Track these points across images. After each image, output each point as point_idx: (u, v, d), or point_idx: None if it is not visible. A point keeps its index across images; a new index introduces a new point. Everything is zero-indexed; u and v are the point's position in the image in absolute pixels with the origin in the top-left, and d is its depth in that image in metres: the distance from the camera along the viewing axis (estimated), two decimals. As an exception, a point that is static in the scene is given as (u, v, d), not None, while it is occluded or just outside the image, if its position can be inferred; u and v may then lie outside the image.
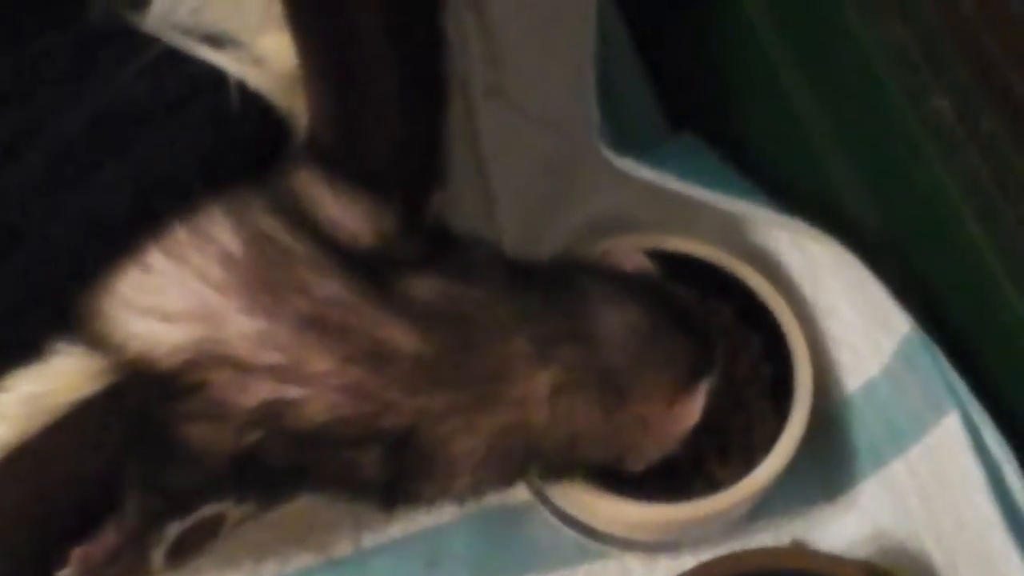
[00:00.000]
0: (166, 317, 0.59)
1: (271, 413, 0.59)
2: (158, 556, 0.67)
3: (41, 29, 0.66)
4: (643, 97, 0.89)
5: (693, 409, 0.63)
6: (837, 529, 0.74)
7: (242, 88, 0.63)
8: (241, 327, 0.58)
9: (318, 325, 0.59)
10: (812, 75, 0.77)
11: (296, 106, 0.64)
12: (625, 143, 0.76)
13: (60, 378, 0.60)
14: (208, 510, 0.64)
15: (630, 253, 0.68)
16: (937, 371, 0.67)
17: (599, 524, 0.68)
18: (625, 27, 0.89)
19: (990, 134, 0.63)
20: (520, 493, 0.72)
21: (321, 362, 0.59)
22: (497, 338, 0.61)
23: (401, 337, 0.59)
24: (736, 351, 0.71)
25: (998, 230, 0.64)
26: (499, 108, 0.81)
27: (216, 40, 0.63)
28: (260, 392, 0.58)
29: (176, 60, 0.63)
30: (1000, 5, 0.61)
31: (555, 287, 0.64)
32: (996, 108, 0.62)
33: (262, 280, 0.59)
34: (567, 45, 0.79)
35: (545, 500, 0.70)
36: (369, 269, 0.61)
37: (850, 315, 0.73)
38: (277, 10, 0.62)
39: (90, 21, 0.64)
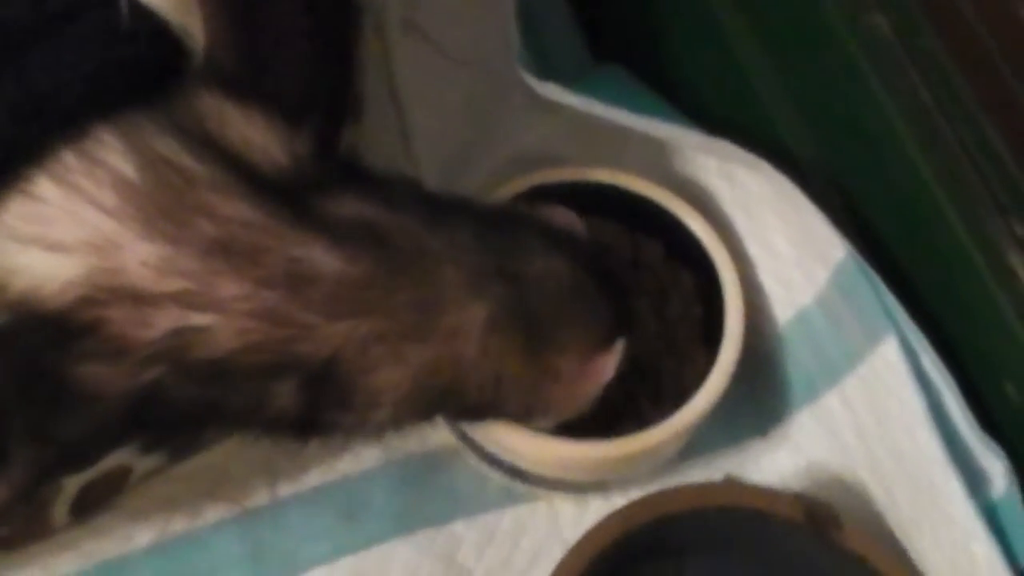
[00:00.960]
0: (55, 248, 0.57)
1: (175, 345, 0.57)
2: (60, 511, 0.66)
3: None
4: (564, 25, 0.89)
5: (605, 369, 0.63)
6: (770, 464, 0.74)
7: (133, 3, 0.61)
8: (140, 254, 0.56)
9: (226, 248, 0.58)
10: (749, 13, 0.76)
11: (192, 24, 0.62)
12: (547, 74, 0.76)
13: None
14: (110, 461, 0.64)
15: (563, 211, 0.68)
16: (874, 296, 0.67)
17: (526, 464, 0.68)
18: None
19: (929, 52, 0.62)
20: (441, 437, 0.72)
21: (231, 286, 0.57)
22: (428, 266, 0.60)
23: (322, 256, 0.58)
24: (666, 288, 0.71)
25: (938, 152, 0.64)
26: (415, 43, 0.81)
27: None
28: (163, 323, 0.57)
29: None
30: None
31: (486, 226, 0.64)
32: (935, 25, 0.62)
33: (161, 204, 0.57)
34: None
35: (468, 442, 0.70)
36: (283, 189, 0.59)
37: (783, 244, 0.72)
38: None
39: None
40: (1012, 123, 0.61)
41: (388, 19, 0.79)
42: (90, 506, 0.67)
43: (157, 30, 0.61)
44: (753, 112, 0.77)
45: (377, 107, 0.74)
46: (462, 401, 0.63)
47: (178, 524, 0.71)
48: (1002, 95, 0.60)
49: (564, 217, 0.68)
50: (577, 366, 0.63)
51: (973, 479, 0.63)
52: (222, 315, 0.57)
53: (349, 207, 0.60)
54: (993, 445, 0.63)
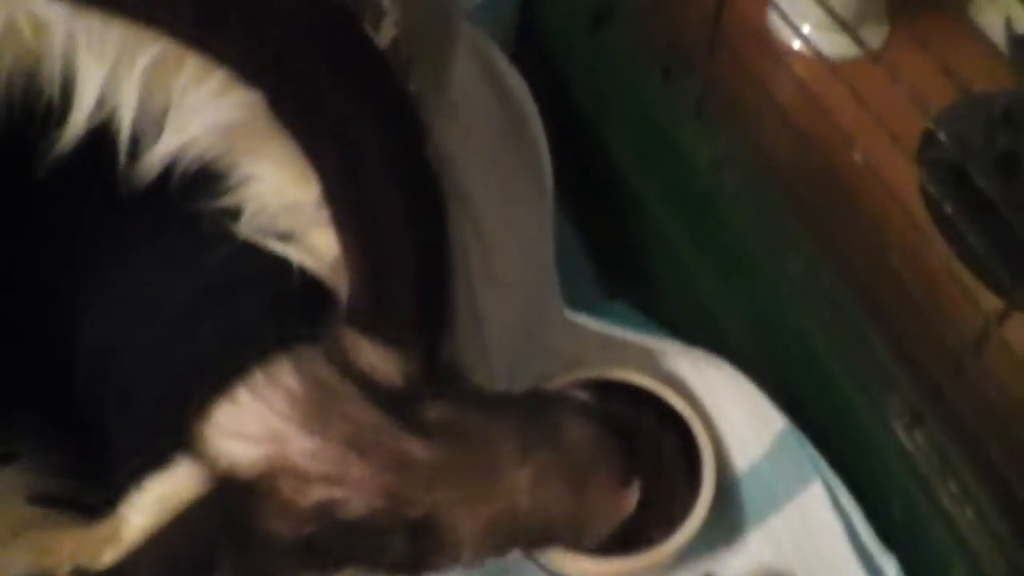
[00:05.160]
0: (246, 439, 0.66)
1: (324, 510, 0.66)
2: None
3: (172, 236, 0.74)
4: (587, 274, 1.00)
5: (631, 497, 0.73)
6: (734, 566, 0.82)
7: (301, 270, 0.70)
8: (301, 446, 0.65)
9: (357, 443, 0.66)
10: (712, 264, 0.87)
11: (340, 282, 0.71)
12: (575, 307, 0.89)
13: (179, 482, 0.65)
14: None
15: (585, 393, 0.78)
16: (805, 453, 0.77)
17: (573, 573, 0.77)
18: (574, 226, 1.01)
19: (829, 286, 0.76)
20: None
21: (360, 471, 0.66)
22: (489, 446, 0.69)
23: (419, 450, 0.67)
24: (659, 447, 0.80)
25: (844, 354, 0.75)
26: (491, 287, 0.90)
27: (284, 237, 0.71)
28: (315, 494, 0.65)
29: (257, 251, 0.70)
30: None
31: (531, 410, 0.73)
32: (836, 267, 0.75)
33: (315, 411, 0.66)
34: (536, 240, 0.91)
35: (531, 557, 0.78)
36: (396, 401, 0.68)
37: (738, 417, 0.82)
38: (325, 215, 0.70)
39: (202, 226, 0.71)
40: (885, 330, 0.73)
41: (471, 270, 0.88)
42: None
43: (317, 287, 0.71)
44: (713, 328, 0.87)
45: (463, 331, 0.79)
46: (525, 539, 0.72)
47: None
48: (881, 314, 0.73)
49: (585, 396, 0.78)
50: (607, 501, 0.72)
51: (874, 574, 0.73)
52: (354, 491, 0.66)
53: (438, 412, 0.69)
54: (886, 551, 0.73)
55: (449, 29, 0.96)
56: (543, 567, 0.79)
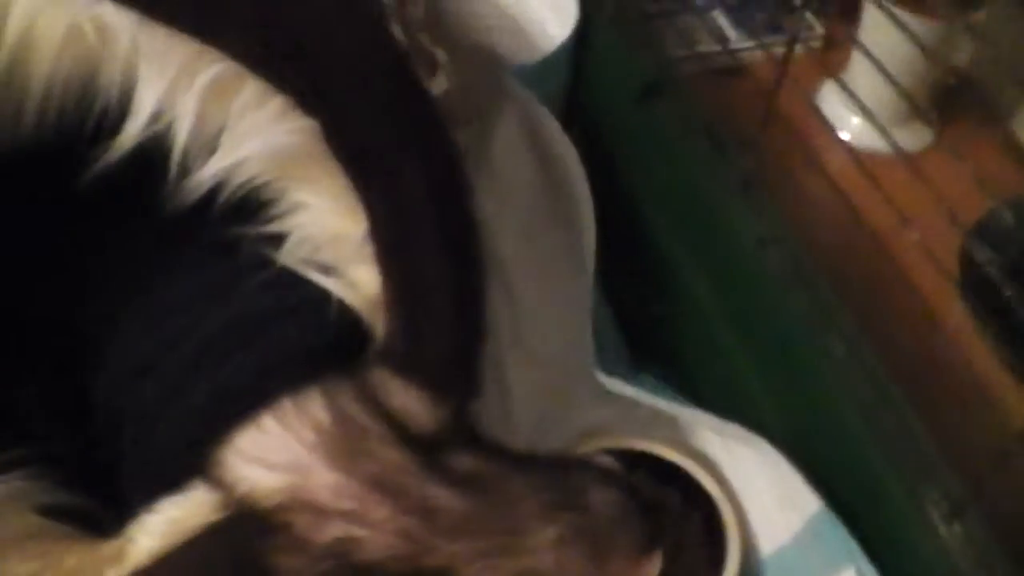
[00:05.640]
0: (268, 466, 0.65)
1: (340, 549, 0.64)
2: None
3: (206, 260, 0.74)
4: (616, 346, 0.98)
5: (652, 569, 0.71)
6: None
7: (340, 304, 0.70)
8: (323, 479, 0.64)
9: (382, 483, 0.65)
10: (749, 342, 0.86)
11: (377, 321, 0.70)
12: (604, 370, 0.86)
13: (193, 507, 0.65)
14: None
15: (610, 459, 0.77)
16: (839, 539, 0.74)
17: None
18: (605, 297, 0.98)
19: (873, 373, 0.74)
20: None
21: (382, 511, 0.65)
22: (513, 501, 0.68)
23: (444, 496, 0.66)
24: (682, 524, 0.78)
25: (883, 439, 0.72)
26: (519, 354, 0.90)
27: (325, 269, 0.70)
28: (333, 531, 0.64)
29: (296, 281, 0.70)
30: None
31: (556, 470, 0.73)
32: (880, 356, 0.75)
33: (342, 446, 0.65)
34: (570, 308, 0.90)
35: None
36: (424, 446, 0.68)
37: (768, 499, 0.80)
38: (369, 251, 0.69)
39: (241, 253, 0.71)
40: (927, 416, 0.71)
41: (499, 335, 0.87)
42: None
43: (354, 322, 0.70)
44: (745, 407, 0.85)
45: (490, 392, 0.77)
46: None
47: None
48: (924, 401, 0.72)
49: (611, 463, 0.77)
50: (629, 568, 0.70)
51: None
52: (374, 531, 0.65)
53: (464, 462, 0.69)
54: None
55: (497, 93, 0.97)
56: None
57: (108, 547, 0.65)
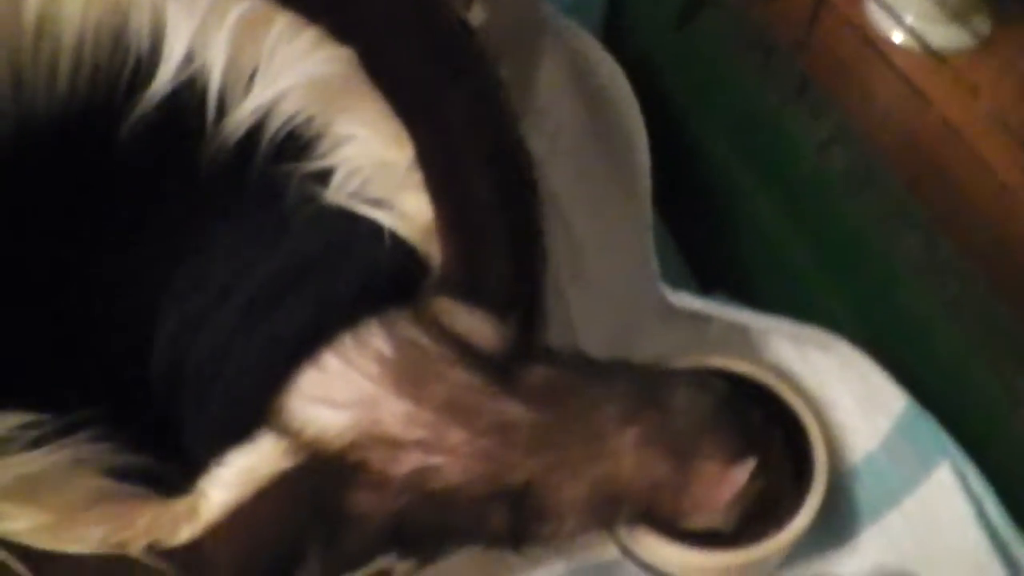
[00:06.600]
0: (334, 405, 0.64)
1: (418, 479, 0.64)
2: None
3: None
4: (681, 271, 0.97)
5: (739, 476, 0.68)
6: (847, 568, 0.78)
7: (393, 236, 0.70)
8: (393, 410, 0.64)
9: (453, 406, 0.64)
10: (818, 250, 0.84)
11: (431, 249, 0.70)
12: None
13: (262, 456, 0.64)
14: (376, 564, 0.68)
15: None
16: (931, 434, 0.72)
17: (674, 570, 0.73)
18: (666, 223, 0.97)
19: (947, 261, 0.71)
20: (610, 552, 0.77)
21: (457, 435, 0.64)
22: (592, 408, 0.67)
23: (519, 411, 0.65)
24: (767, 443, 0.73)
25: (971, 333, 0.70)
26: (581, 289, 0.90)
27: (375, 202, 0.70)
28: (410, 462, 0.64)
29: (346, 217, 0.70)
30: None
31: (640, 377, 0.70)
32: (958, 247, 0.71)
33: (408, 374, 0.65)
34: (630, 239, 0.88)
35: (630, 553, 0.75)
36: (493, 364, 0.67)
37: (851, 404, 0.78)
38: (417, 177, 0.69)
39: (286, 196, 0.70)
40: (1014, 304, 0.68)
41: (560, 272, 0.87)
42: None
43: (409, 253, 0.70)
44: (819, 318, 0.81)
45: (554, 327, 0.76)
46: (628, 508, 0.68)
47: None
48: (1009, 288, 0.68)
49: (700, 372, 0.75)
50: (716, 472, 0.68)
51: (1012, 567, 0.68)
52: (451, 456, 0.64)
53: (537, 374, 0.67)
54: (1024, 540, 0.67)
55: (537, 23, 0.94)
56: (638, 559, 0.75)
57: (180, 504, 0.64)
